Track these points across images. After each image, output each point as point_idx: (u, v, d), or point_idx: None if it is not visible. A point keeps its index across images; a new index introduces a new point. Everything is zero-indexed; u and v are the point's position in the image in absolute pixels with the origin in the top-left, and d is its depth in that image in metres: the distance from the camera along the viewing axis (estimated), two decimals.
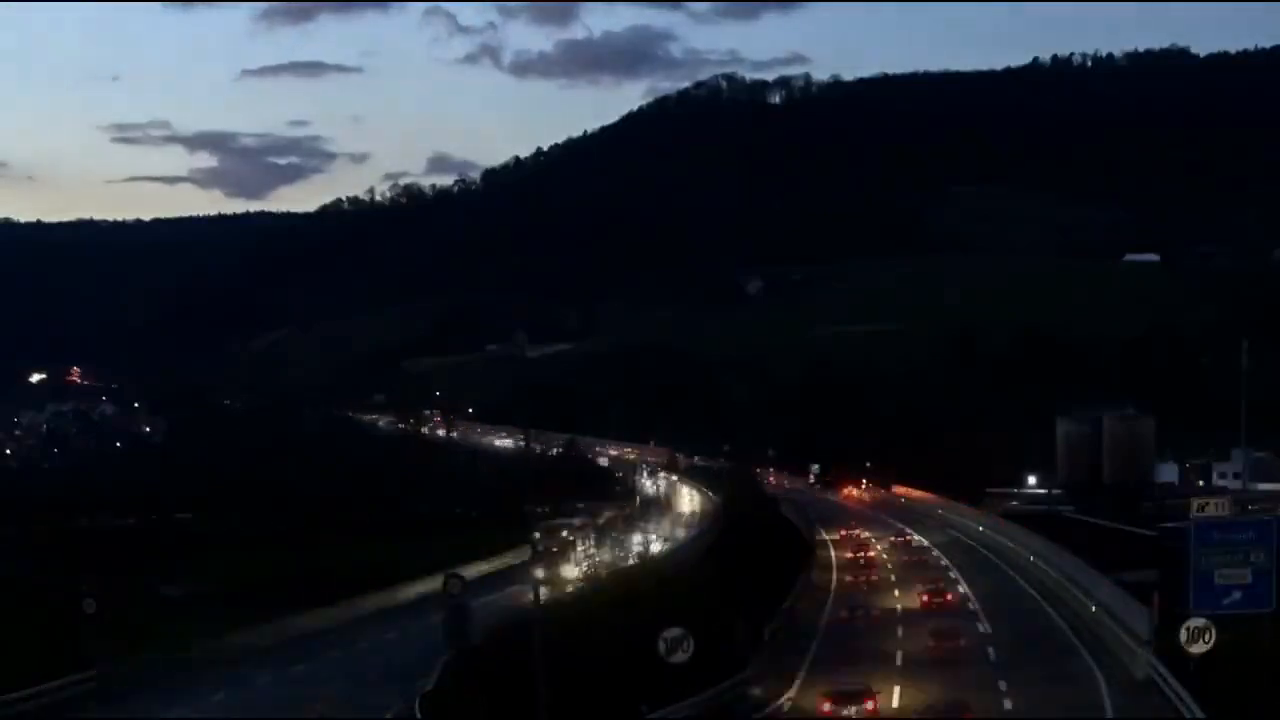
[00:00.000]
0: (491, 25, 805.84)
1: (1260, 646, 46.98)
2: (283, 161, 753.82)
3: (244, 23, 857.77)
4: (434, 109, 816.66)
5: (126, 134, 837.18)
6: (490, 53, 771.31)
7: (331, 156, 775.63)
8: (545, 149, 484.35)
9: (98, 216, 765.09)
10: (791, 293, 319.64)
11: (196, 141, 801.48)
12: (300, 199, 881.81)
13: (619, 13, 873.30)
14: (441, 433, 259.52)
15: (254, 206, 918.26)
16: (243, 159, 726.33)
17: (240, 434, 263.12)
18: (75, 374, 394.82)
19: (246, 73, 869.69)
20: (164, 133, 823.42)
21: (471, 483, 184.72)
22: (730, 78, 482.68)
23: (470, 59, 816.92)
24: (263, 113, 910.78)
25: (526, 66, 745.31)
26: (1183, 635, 45.86)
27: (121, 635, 65.20)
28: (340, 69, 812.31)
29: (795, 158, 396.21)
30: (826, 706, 46.95)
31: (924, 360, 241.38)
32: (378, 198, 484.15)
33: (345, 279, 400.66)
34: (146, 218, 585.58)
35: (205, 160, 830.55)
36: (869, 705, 46.74)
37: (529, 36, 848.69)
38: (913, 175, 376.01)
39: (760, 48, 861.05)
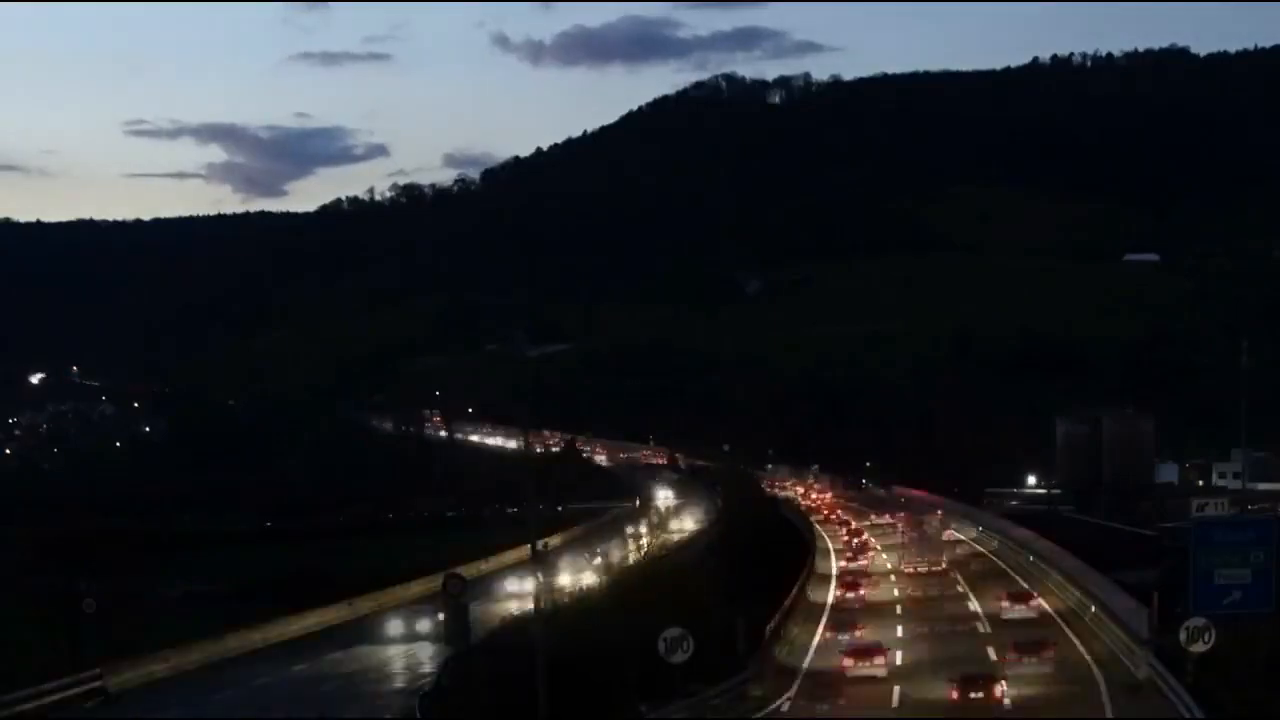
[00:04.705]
0: (507, 16, 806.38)
1: (1260, 646, 46.91)
2: (297, 155, 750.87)
3: (255, 17, 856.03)
4: (453, 102, 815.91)
5: (138, 128, 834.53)
6: (504, 42, 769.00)
7: (347, 149, 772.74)
8: (545, 148, 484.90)
9: (109, 211, 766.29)
10: (791, 293, 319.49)
11: (208, 134, 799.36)
12: (313, 193, 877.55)
13: (626, 6, 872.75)
14: (442, 433, 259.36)
15: (268, 201, 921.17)
16: (256, 153, 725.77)
17: (240, 434, 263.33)
18: (75, 374, 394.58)
19: (258, 67, 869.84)
20: (175, 127, 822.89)
21: (472, 483, 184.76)
22: (730, 77, 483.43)
23: (487, 51, 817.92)
24: (274, 106, 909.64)
25: (543, 55, 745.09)
26: (1183, 635, 45.86)
27: (122, 635, 65.18)
28: (354, 58, 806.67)
29: (795, 158, 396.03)
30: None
31: (924, 360, 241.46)
32: (378, 197, 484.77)
33: (345, 279, 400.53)
34: (158, 212, 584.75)
35: (217, 154, 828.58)
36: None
37: (544, 26, 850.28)
38: (913, 175, 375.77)
39: (766, 39, 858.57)
